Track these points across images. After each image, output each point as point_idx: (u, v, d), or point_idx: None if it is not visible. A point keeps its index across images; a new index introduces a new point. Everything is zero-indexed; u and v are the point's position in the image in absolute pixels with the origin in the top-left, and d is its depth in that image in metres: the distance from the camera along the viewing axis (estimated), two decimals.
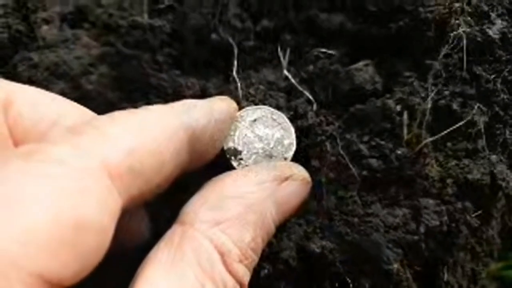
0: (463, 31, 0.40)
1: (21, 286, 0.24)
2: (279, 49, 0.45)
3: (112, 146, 0.30)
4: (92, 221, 0.27)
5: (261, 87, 0.43)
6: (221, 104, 0.38)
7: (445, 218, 0.39)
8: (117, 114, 0.33)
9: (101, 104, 0.43)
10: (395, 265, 0.38)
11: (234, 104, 0.40)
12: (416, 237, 0.38)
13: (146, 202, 0.35)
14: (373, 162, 0.39)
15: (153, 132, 0.32)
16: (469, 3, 0.41)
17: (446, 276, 0.41)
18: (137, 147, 0.31)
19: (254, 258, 0.36)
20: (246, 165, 0.40)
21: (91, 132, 0.30)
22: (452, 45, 0.40)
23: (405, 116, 0.39)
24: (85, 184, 0.28)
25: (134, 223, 0.37)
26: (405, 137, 0.39)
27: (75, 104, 0.38)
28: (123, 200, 0.30)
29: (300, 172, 0.39)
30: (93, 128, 0.31)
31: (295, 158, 0.41)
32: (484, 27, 0.41)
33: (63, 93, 0.42)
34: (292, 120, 0.41)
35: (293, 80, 0.43)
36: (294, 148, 0.41)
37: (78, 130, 0.30)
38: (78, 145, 0.29)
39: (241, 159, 0.40)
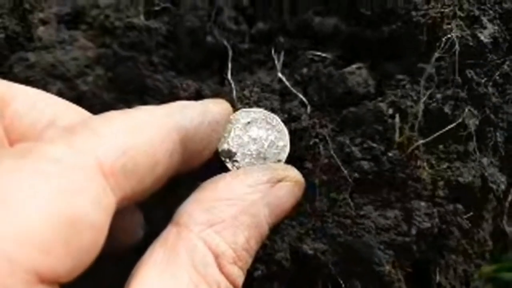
0: (455, 35, 0.40)
1: (17, 283, 0.25)
2: (273, 51, 0.45)
3: (106, 145, 0.30)
4: (86, 219, 0.28)
5: (256, 89, 0.43)
6: (214, 106, 0.39)
7: (437, 220, 0.39)
8: (111, 114, 0.33)
9: (97, 105, 0.43)
10: (387, 267, 0.38)
11: (228, 106, 0.40)
12: (407, 239, 0.38)
13: (140, 202, 0.36)
14: (365, 164, 0.39)
15: (146, 132, 0.33)
16: (461, 8, 0.42)
17: (438, 277, 0.42)
18: (131, 147, 0.31)
19: (248, 260, 0.36)
20: (240, 167, 0.40)
21: (85, 132, 0.31)
22: (444, 49, 0.40)
23: (397, 119, 0.39)
24: (79, 182, 0.28)
25: (128, 223, 0.37)
26: (397, 139, 0.39)
27: (72, 104, 0.38)
28: (117, 199, 0.30)
29: (293, 174, 0.39)
30: (87, 127, 0.31)
31: (289, 160, 0.41)
32: (476, 31, 0.41)
33: (59, 94, 0.42)
34: (286, 122, 0.42)
35: (287, 83, 0.44)
36: (287, 150, 0.41)
37: (72, 130, 0.31)
38: (72, 144, 0.29)
39: (235, 161, 0.40)
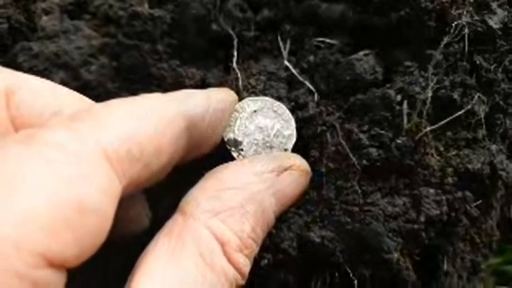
0: (464, 21, 0.40)
1: (24, 266, 0.25)
2: (279, 39, 0.45)
3: (111, 131, 0.30)
4: (92, 204, 0.27)
5: (262, 77, 0.43)
6: (219, 94, 0.39)
7: (445, 207, 0.39)
8: (116, 102, 0.33)
9: (101, 94, 0.43)
10: (395, 254, 0.38)
11: (233, 95, 0.40)
12: (416, 226, 0.38)
13: (146, 190, 0.36)
14: (373, 151, 0.39)
15: (151, 118, 0.32)
16: None
17: (446, 266, 0.42)
18: (136, 132, 0.31)
19: (254, 248, 0.36)
20: (246, 156, 0.40)
21: (89, 118, 0.30)
22: (453, 35, 0.40)
23: (405, 105, 0.39)
24: (84, 167, 0.28)
25: (134, 211, 0.37)
26: (405, 126, 0.39)
27: (77, 94, 0.38)
28: (122, 185, 0.30)
29: (299, 162, 0.39)
30: (92, 114, 0.31)
31: (295, 149, 0.41)
32: (485, 17, 0.41)
33: (63, 83, 0.41)
34: (292, 110, 0.41)
35: (293, 70, 0.43)
36: (294, 139, 0.41)
37: (76, 117, 0.31)
38: (76, 130, 0.29)
39: (241, 150, 0.40)
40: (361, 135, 0.39)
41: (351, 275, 0.38)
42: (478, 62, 0.40)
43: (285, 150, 0.41)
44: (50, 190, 0.26)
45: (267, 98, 0.42)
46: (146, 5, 0.46)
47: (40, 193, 0.26)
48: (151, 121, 0.32)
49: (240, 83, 0.42)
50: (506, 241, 0.56)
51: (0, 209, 0.25)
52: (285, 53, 0.44)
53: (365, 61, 0.42)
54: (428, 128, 0.39)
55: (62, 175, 0.27)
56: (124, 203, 0.31)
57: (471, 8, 0.41)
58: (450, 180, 0.39)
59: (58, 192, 0.26)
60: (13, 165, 0.27)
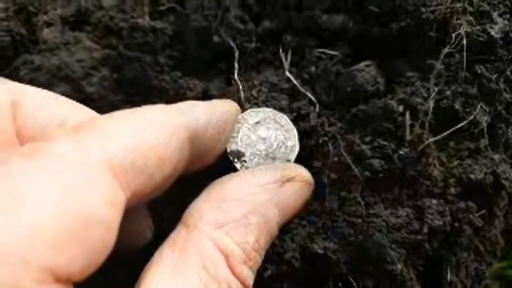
0: (465, 31, 0.40)
1: (31, 282, 0.25)
2: (280, 50, 0.45)
3: (115, 142, 0.30)
4: (97, 216, 0.27)
5: (263, 88, 0.43)
6: (222, 105, 0.39)
7: (448, 218, 0.39)
8: (119, 113, 0.33)
9: (103, 106, 0.43)
10: (399, 265, 0.38)
11: (235, 106, 0.40)
12: (419, 237, 0.38)
13: (150, 201, 0.36)
14: (376, 162, 0.39)
15: (154, 129, 0.32)
16: (470, 3, 0.41)
17: (449, 276, 0.41)
18: (139, 144, 0.31)
19: (258, 260, 0.36)
20: (249, 167, 0.40)
21: (93, 129, 0.30)
22: (454, 45, 0.40)
23: (408, 116, 0.39)
24: (88, 179, 0.28)
25: (137, 224, 0.37)
26: (408, 137, 0.39)
27: (82, 105, 0.38)
28: (127, 196, 0.30)
29: (302, 173, 0.39)
30: (95, 125, 0.31)
31: (298, 160, 0.41)
32: (486, 26, 0.41)
33: (65, 96, 0.41)
34: (294, 121, 0.41)
35: (295, 82, 0.43)
36: (297, 150, 0.41)
37: (79, 128, 0.31)
38: (80, 142, 0.29)
39: (244, 161, 0.40)
40: (363, 146, 0.39)
41: (354, 286, 0.38)
42: (479, 71, 0.40)
43: (288, 161, 0.40)
44: (55, 203, 0.26)
45: (269, 109, 0.42)
46: (147, 17, 0.46)
47: (45, 206, 0.26)
48: (154, 132, 0.32)
49: (242, 94, 0.42)
50: (508, 248, 0.56)
51: (6, 224, 0.25)
52: (286, 64, 0.44)
53: (366, 72, 0.42)
54: (431, 139, 0.39)
55: (66, 187, 0.27)
56: (128, 215, 0.31)
57: (471, 18, 0.41)
58: (453, 190, 0.39)
59: (62, 204, 0.26)
60: (18, 179, 0.26)
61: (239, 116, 0.40)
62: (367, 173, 0.39)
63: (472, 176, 0.40)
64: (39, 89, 0.37)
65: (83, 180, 0.28)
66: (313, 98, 0.43)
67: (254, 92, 0.43)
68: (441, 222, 0.39)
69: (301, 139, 0.41)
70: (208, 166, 0.39)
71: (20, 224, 0.25)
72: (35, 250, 0.25)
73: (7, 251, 0.24)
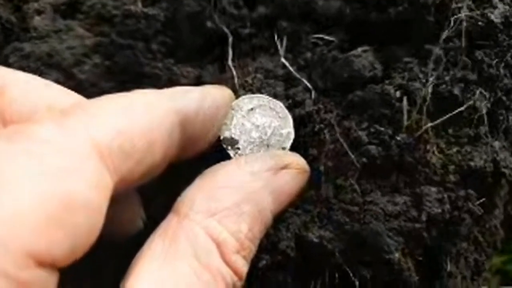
0: (464, 15, 0.39)
1: (13, 267, 0.24)
2: (276, 36, 0.44)
3: (101, 126, 0.29)
4: (81, 199, 0.27)
5: (258, 75, 0.42)
6: (215, 90, 0.38)
7: (447, 206, 0.38)
8: (107, 97, 0.33)
9: (94, 93, 0.42)
10: (396, 254, 0.37)
11: (229, 92, 0.40)
12: (417, 225, 0.38)
13: (141, 190, 0.35)
14: (373, 149, 0.38)
15: (143, 113, 0.32)
16: None
17: (449, 266, 0.41)
18: (127, 127, 0.30)
19: (252, 249, 0.35)
20: (243, 155, 0.39)
21: (78, 113, 0.30)
22: (452, 30, 0.40)
23: (405, 102, 0.38)
24: (72, 162, 0.27)
25: (128, 212, 0.36)
26: (405, 123, 0.38)
27: (70, 91, 0.38)
28: (114, 180, 0.29)
29: (297, 161, 0.38)
30: (82, 109, 0.30)
31: (293, 147, 0.40)
32: (486, 11, 0.40)
33: (56, 83, 0.41)
34: (290, 108, 0.41)
35: (290, 68, 0.42)
36: (292, 137, 0.40)
37: (66, 111, 0.30)
38: (64, 125, 0.28)
39: (238, 148, 0.40)
40: (360, 133, 0.39)
41: (351, 275, 0.38)
42: (479, 57, 0.40)
43: (283, 148, 0.40)
44: (37, 186, 0.26)
45: (264, 95, 0.41)
46: (140, 4, 0.45)
47: (26, 189, 0.25)
48: (143, 116, 0.32)
49: (236, 81, 0.42)
50: (510, 240, 0.56)
51: None
52: (281, 51, 0.43)
53: (363, 57, 0.41)
54: (429, 125, 0.38)
55: (49, 169, 0.26)
56: (118, 203, 0.30)
57: (470, 2, 0.40)
58: (452, 178, 0.39)
59: (45, 187, 0.26)
60: None
61: (233, 103, 0.40)
62: (364, 160, 0.38)
63: (471, 163, 0.39)
64: (27, 74, 0.37)
65: (66, 163, 0.27)
66: (309, 85, 0.42)
67: (248, 79, 0.42)
68: (440, 210, 0.38)
69: (297, 126, 0.40)
70: (201, 154, 0.38)
71: (1, 208, 0.24)
72: (15, 234, 0.24)
73: None
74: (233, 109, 0.40)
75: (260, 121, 0.40)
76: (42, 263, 0.25)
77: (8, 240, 0.24)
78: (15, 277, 0.24)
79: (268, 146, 0.40)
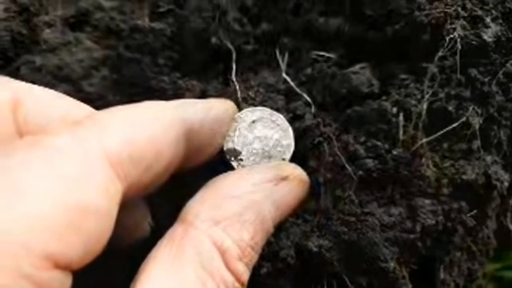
0: (458, 35, 0.40)
1: (30, 267, 0.25)
2: (277, 52, 0.45)
3: (112, 135, 0.31)
4: (93, 205, 0.28)
5: (260, 89, 0.44)
6: (218, 103, 0.39)
7: (441, 217, 0.39)
8: (116, 108, 0.34)
9: (102, 106, 0.43)
10: (392, 263, 0.38)
11: (232, 104, 0.41)
12: (412, 236, 0.39)
13: (148, 198, 0.37)
14: (370, 162, 0.39)
15: (150, 123, 0.33)
16: (464, 8, 0.41)
17: (442, 274, 0.42)
18: (136, 137, 0.32)
19: (254, 256, 0.36)
20: (246, 166, 0.41)
21: (91, 123, 0.31)
22: (447, 49, 0.41)
23: (401, 117, 0.39)
24: (85, 170, 0.29)
25: (136, 218, 0.38)
26: (401, 138, 0.39)
27: (82, 104, 0.39)
28: (124, 187, 0.31)
29: (297, 172, 0.40)
30: (94, 120, 0.32)
31: (293, 159, 0.41)
32: (479, 31, 0.41)
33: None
34: (290, 121, 0.42)
35: (291, 83, 0.44)
36: (292, 149, 0.41)
37: (79, 122, 0.32)
38: (78, 135, 0.30)
39: (240, 159, 0.41)
40: (358, 146, 0.40)
41: (348, 283, 0.39)
42: (472, 75, 0.41)
43: (284, 159, 0.41)
44: (55, 192, 0.27)
45: (265, 108, 0.42)
46: (147, 18, 0.46)
47: (45, 196, 0.27)
48: (151, 126, 0.33)
49: (239, 94, 0.43)
50: (504, 248, 0.57)
51: (9, 212, 0.26)
52: (283, 66, 0.45)
53: (361, 74, 0.42)
54: (424, 140, 0.39)
55: (65, 177, 0.28)
56: (126, 209, 0.32)
57: (465, 22, 0.41)
58: (445, 190, 0.40)
59: (62, 194, 0.27)
60: (18, 170, 0.27)
61: (236, 115, 0.41)
62: (361, 173, 0.39)
63: (464, 176, 0.40)
64: (39, 87, 0.38)
65: (80, 171, 0.29)
66: (309, 99, 0.43)
67: (251, 93, 0.43)
68: (433, 221, 0.39)
69: (297, 139, 0.41)
70: (205, 164, 0.39)
71: (22, 213, 0.26)
72: (36, 237, 0.26)
73: (10, 237, 0.25)
74: (236, 121, 0.41)
75: (262, 133, 0.41)
76: (58, 265, 0.27)
77: (30, 242, 0.26)
78: (33, 278, 0.26)
79: (269, 157, 0.41)
